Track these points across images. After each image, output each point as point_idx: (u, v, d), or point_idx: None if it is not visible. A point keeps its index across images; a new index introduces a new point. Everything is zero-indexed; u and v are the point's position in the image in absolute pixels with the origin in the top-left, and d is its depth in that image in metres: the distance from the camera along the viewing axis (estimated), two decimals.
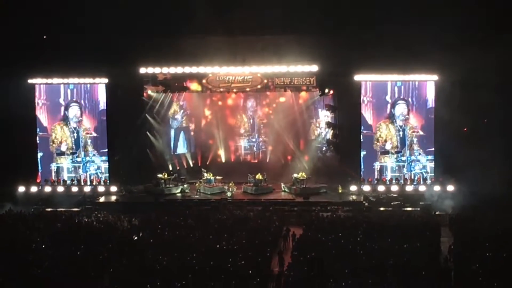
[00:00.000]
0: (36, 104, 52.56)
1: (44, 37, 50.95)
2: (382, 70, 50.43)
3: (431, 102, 50.76)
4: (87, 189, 52.34)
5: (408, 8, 47.49)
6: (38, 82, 52.40)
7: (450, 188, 48.94)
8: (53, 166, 53.14)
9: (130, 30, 49.52)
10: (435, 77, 50.16)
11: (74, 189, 52.28)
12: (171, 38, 50.61)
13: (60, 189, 52.16)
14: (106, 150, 53.02)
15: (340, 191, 50.25)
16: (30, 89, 52.34)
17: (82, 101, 52.89)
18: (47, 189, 52.18)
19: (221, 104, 58.21)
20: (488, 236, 35.81)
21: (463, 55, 46.69)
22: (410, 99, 50.94)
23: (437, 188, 49.51)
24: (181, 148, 58.82)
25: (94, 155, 53.12)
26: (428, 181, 50.56)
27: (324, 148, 55.84)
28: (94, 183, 52.67)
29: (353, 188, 50.88)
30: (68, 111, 52.81)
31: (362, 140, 51.33)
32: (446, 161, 50.01)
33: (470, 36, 48.05)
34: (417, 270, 29.86)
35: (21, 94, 51.58)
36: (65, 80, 52.49)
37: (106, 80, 52.40)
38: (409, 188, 50.53)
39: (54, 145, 52.98)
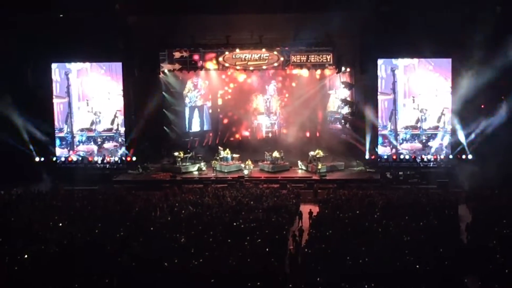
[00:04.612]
0: (53, 85, 52.60)
1: (61, 15, 50.86)
2: (398, 51, 50.22)
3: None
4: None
5: None
6: (55, 64, 52.55)
7: (467, 165, 48.68)
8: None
9: (146, 8, 49.49)
10: (450, 58, 50.00)
11: (92, 167, 52.58)
12: (187, 16, 50.49)
13: (78, 167, 52.46)
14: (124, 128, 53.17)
15: (319, 167, 49.96)
16: (47, 70, 52.42)
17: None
18: (65, 167, 52.54)
19: (238, 81, 58.23)
20: (506, 213, 35.72)
21: (480, 31, 46.48)
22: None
23: (454, 165, 49.30)
24: (196, 126, 58.87)
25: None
26: (446, 159, 50.41)
27: (343, 121, 55.47)
28: (111, 161, 52.95)
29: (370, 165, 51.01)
30: None
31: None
32: (464, 138, 49.93)
33: (488, 12, 47.79)
34: (434, 248, 29.82)
35: (38, 76, 51.85)
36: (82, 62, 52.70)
37: (123, 59, 52.36)
38: (426, 165, 50.41)
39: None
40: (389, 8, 48.79)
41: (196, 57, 53.46)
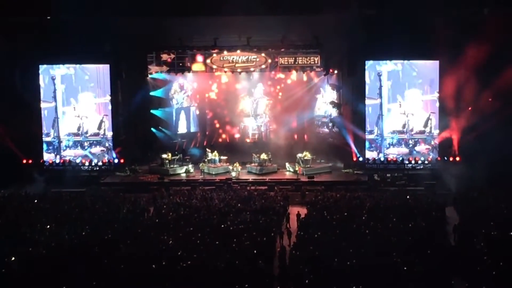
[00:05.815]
0: (40, 87, 52.38)
1: (48, 17, 50.70)
2: (385, 53, 50.36)
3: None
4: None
5: None
6: (42, 68, 52.27)
7: (455, 167, 48.81)
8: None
9: (133, 10, 49.32)
10: (437, 61, 50.07)
11: (80, 169, 52.40)
12: (175, 18, 50.42)
13: (66, 169, 52.18)
14: (111, 130, 53.01)
15: (297, 169, 50.19)
16: (35, 73, 52.21)
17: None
18: (53, 169, 52.32)
19: (226, 83, 58.03)
20: (493, 215, 35.89)
21: (468, 33, 46.66)
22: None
23: (441, 167, 49.42)
24: (183, 128, 58.81)
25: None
26: (433, 161, 50.57)
27: (330, 125, 55.64)
28: (99, 163, 52.78)
29: (358, 167, 51.08)
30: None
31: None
32: (451, 141, 50.11)
33: (474, 13, 48.07)
34: (422, 250, 29.92)
35: (26, 78, 51.62)
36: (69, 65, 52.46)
37: (110, 61, 52.16)
38: (413, 167, 50.55)
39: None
40: (376, 11, 48.87)
41: (183, 59, 53.47)
